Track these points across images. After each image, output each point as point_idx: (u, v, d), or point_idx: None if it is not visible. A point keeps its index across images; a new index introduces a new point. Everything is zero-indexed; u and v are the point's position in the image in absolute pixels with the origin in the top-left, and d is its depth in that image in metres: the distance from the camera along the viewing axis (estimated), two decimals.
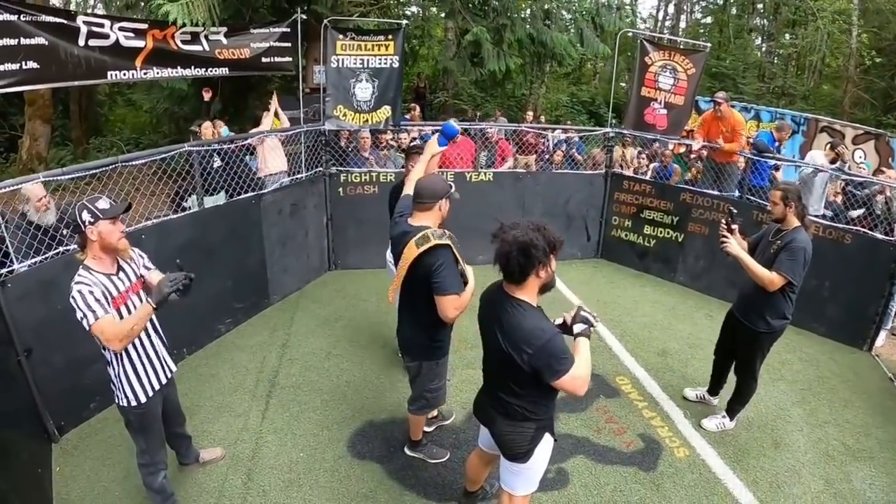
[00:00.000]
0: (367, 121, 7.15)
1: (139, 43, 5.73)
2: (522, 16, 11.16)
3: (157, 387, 3.20)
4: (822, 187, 7.19)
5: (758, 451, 4.37)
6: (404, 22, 7.85)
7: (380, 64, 7.00)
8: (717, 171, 7.58)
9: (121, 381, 3.04)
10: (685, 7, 27.20)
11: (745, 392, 4.49)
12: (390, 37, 6.99)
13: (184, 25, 6.08)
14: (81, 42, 5.31)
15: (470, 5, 11.08)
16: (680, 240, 7.68)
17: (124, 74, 5.73)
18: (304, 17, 6.95)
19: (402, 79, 7.35)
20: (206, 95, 8.41)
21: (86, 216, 2.80)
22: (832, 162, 7.29)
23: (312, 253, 7.19)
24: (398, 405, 4.73)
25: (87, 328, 2.75)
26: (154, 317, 3.11)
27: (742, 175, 7.83)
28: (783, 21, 22.09)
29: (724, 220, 4.20)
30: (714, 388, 4.92)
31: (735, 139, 7.45)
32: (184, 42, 6.10)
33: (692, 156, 9.12)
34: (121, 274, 3.00)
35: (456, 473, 4.04)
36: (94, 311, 2.73)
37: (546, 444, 2.91)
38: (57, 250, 4.26)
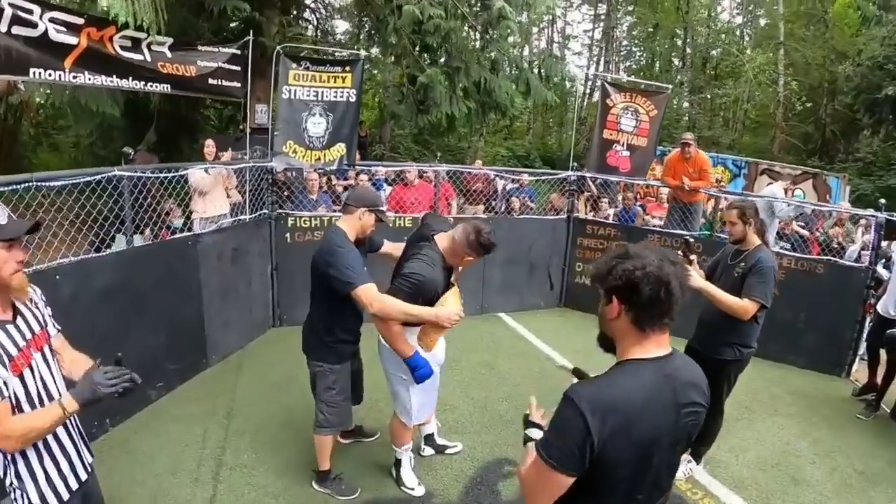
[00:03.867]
0: (319, 159, 6.47)
1: (71, 39, 4.95)
2: (477, 59, 10.88)
3: (74, 486, 2.22)
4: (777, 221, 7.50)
5: (780, 491, 4.12)
6: (363, 53, 7.30)
7: (335, 97, 6.39)
8: (683, 211, 7.40)
9: (21, 483, 2.07)
10: (611, 65, 28.11)
11: (713, 430, 4.10)
12: (348, 68, 6.41)
13: (126, 27, 5.33)
14: (3, 27, 4.52)
15: (417, 48, 10.72)
16: None
17: (49, 75, 4.93)
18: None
19: (358, 115, 6.76)
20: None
21: None
22: (787, 193, 7.58)
23: (256, 306, 6.35)
24: (379, 483, 3.97)
25: None
26: (60, 380, 2.21)
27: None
28: (710, 75, 23.16)
29: (679, 252, 3.79)
30: None
31: (703, 178, 7.31)
32: (123, 48, 5.36)
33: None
34: (19, 321, 2.06)
35: None
36: None
37: None
38: None
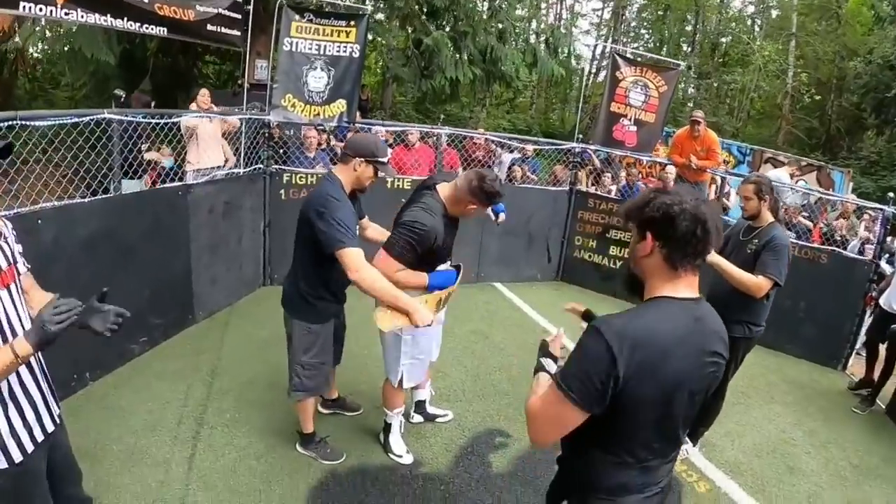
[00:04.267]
0: (318, 114, 6.26)
1: None
2: (484, 27, 10.62)
3: (39, 438, 2.03)
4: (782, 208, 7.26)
5: (776, 479, 4.04)
6: (369, 7, 7.05)
7: (338, 52, 6.17)
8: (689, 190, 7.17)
9: None
10: (619, 46, 27.74)
11: (714, 411, 4.04)
12: (352, 23, 6.17)
13: None
14: None
15: (424, 11, 10.46)
16: None
17: (41, 9, 4.67)
18: None
19: (361, 71, 6.53)
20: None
21: None
22: (793, 178, 7.39)
23: (246, 263, 6.16)
24: (366, 448, 3.82)
25: None
26: (27, 320, 1.99)
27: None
28: (718, 62, 22.94)
29: None
30: None
31: (711, 157, 7.16)
32: None
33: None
34: None
35: None
36: None
37: None
38: None
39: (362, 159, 3.11)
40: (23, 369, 1.96)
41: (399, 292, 2.95)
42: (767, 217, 3.73)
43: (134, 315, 4.48)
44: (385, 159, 3.18)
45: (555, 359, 1.93)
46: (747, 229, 3.80)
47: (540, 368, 1.91)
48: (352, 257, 2.93)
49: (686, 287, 1.63)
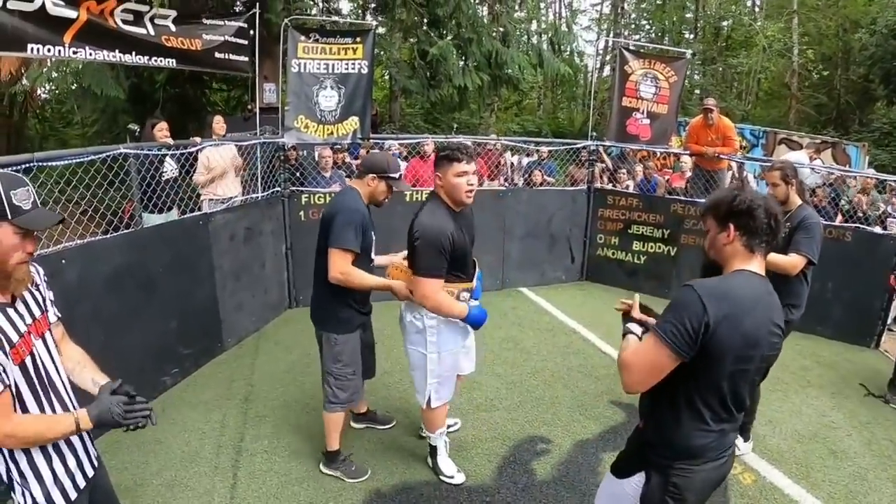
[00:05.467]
0: (331, 133, 6.24)
1: (70, 13, 4.67)
2: (487, 31, 10.60)
3: (82, 484, 1.99)
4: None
5: (820, 464, 3.98)
6: (374, 23, 7.04)
7: (347, 69, 6.15)
8: (707, 179, 7.14)
9: (25, 482, 1.84)
10: (621, 39, 27.63)
11: (756, 401, 4.06)
12: (358, 39, 6.16)
13: None
14: None
15: (426, 21, 10.46)
16: (673, 253, 7.18)
17: (49, 50, 4.65)
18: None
19: (371, 86, 6.51)
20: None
21: None
22: (811, 160, 7.38)
23: (271, 287, 6.16)
24: (407, 465, 3.78)
25: None
26: (61, 368, 1.99)
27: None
28: (721, 46, 22.75)
29: None
30: None
31: (728, 145, 7.08)
32: (125, 22, 5.07)
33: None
34: (18, 305, 1.83)
35: None
36: None
37: None
38: None
39: (374, 175, 3.26)
40: (63, 404, 1.95)
41: (371, 279, 3.25)
42: (796, 200, 3.77)
43: (164, 347, 4.55)
44: (397, 175, 3.27)
45: (640, 322, 2.21)
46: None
47: (627, 332, 2.18)
48: (339, 257, 3.14)
49: (758, 266, 1.95)
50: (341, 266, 3.14)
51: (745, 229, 1.92)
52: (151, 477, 3.63)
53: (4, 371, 1.70)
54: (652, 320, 2.19)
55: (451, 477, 3.63)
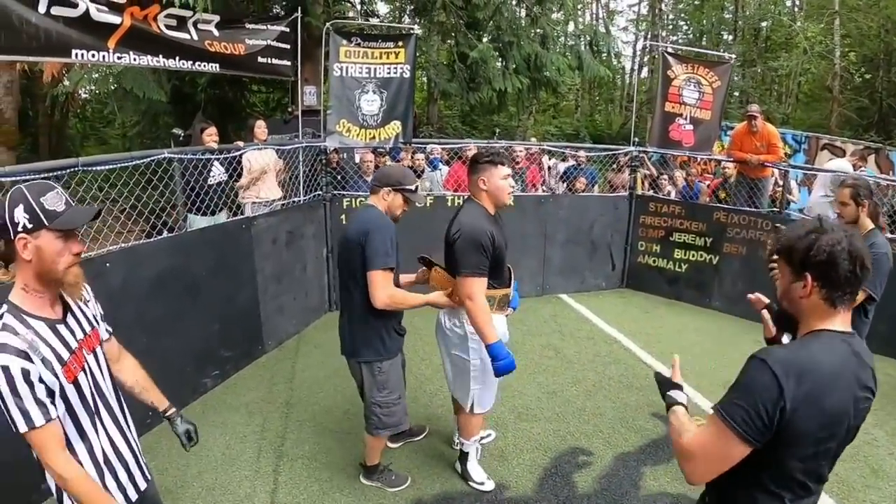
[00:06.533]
0: (374, 137, 6.25)
1: (115, 19, 4.70)
2: (527, 34, 10.53)
3: (133, 498, 2.00)
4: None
5: (861, 483, 3.81)
6: (417, 27, 7.02)
7: (389, 73, 6.16)
8: (751, 187, 7.00)
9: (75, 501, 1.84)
10: (659, 41, 27.27)
11: None
12: (400, 43, 6.16)
13: (171, 5, 5.12)
14: (42, 8, 4.28)
15: (463, 24, 10.43)
16: (715, 262, 7.03)
17: (93, 55, 4.68)
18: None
19: (413, 90, 6.51)
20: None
21: (19, 215, 1.64)
22: (855, 169, 7.06)
23: (311, 290, 6.19)
24: (450, 475, 3.74)
25: (15, 430, 1.66)
26: (111, 383, 1.99)
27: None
28: (761, 48, 22.32)
29: (769, 242, 3.43)
30: None
31: (772, 152, 6.92)
32: (168, 27, 5.10)
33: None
34: (69, 320, 1.83)
35: None
36: (27, 414, 1.63)
37: None
38: None
39: (390, 188, 3.17)
40: (114, 432, 1.95)
41: (413, 298, 3.14)
42: (867, 224, 3.50)
43: (205, 349, 4.58)
44: (412, 186, 3.20)
45: (680, 387, 1.90)
46: None
47: (672, 403, 1.84)
48: (383, 278, 3.03)
49: (842, 322, 1.61)
50: (388, 289, 3.04)
51: (825, 280, 1.58)
52: (192, 479, 3.66)
53: (53, 402, 1.70)
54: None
55: (482, 483, 3.61)
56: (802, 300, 1.63)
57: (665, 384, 1.93)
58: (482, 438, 4.02)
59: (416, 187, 3.26)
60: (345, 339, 3.33)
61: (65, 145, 15.21)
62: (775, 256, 1.71)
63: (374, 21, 11.47)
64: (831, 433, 1.57)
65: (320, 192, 6.21)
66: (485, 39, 10.61)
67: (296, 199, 6.04)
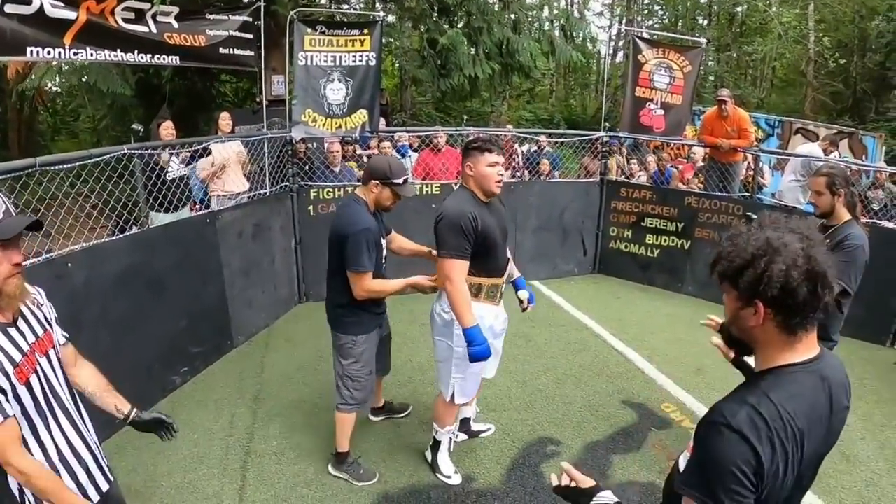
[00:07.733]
0: (340, 126, 6.18)
1: (70, 14, 4.55)
2: (497, 19, 10.48)
3: (95, 499, 1.98)
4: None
5: (832, 468, 3.80)
6: (382, 14, 6.93)
7: (354, 62, 6.07)
8: (722, 172, 7.03)
9: (38, 500, 1.82)
10: (634, 26, 27.30)
11: None
12: (366, 31, 6.07)
13: None
14: None
15: (435, 9, 10.34)
16: (686, 247, 7.07)
17: (49, 52, 4.54)
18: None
19: (379, 78, 6.44)
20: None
21: None
22: (826, 153, 7.26)
23: (280, 283, 6.13)
24: (415, 467, 3.73)
25: None
26: (66, 385, 1.96)
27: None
28: (736, 32, 22.45)
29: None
30: None
31: (743, 137, 6.97)
32: (126, 20, 4.95)
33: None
34: (20, 324, 1.80)
35: None
36: None
37: None
38: None
39: (377, 182, 3.22)
40: (71, 433, 1.92)
41: (393, 284, 3.28)
42: (843, 214, 3.39)
43: (173, 347, 4.53)
44: (400, 180, 3.22)
45: (600, 488, 1.58)
46: (820, 228, 3.57)
47: None
48: (361, 279, 3.17)
49: (805, 349, 1.36)
50: (365, 285, 3.18)
51: (780, 307, 1.29)
52: (160, 478, 3.62)
53: (7, 400, 1.68)
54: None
55: (449, 477, 3.61)
56: (755, 329, 1.36)
57: (579, 494, 1.60)
58: (482, 433, 4.07)
59: (405, 180, 3.27)
60: (328, 311, 3.47)
61: (35, 140, 14.94)
62: (715, 276, 1.43)
63: (344, 8, 11.29)
64: (805, 475, 1.38)
65: (287, 184, 6.14)
66: (459, 25, 10.54)
67: (262, 192, 5.96)
